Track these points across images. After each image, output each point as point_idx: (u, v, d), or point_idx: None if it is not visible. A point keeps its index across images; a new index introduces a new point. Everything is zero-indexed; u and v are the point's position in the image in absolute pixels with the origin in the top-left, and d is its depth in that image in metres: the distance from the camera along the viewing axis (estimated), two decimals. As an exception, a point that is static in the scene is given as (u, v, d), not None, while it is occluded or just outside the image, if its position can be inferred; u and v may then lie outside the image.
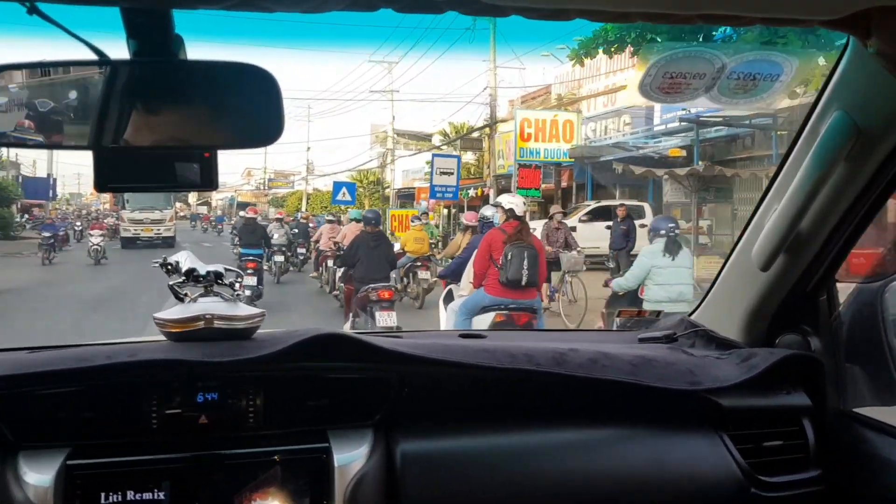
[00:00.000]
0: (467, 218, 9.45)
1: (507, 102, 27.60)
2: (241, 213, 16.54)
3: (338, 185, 23.71)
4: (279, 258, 14.33)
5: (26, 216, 37.07)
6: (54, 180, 43.32)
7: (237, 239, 14.47)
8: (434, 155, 22.34)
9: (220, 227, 39.60)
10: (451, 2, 0.92)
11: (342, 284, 9.40)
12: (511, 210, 5.93)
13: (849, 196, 1.44)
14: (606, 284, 6.92)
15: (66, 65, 1.09)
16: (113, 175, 1.14)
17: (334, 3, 0.94)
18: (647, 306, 5.85)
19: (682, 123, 16.77)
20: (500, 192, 23.27)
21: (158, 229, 27.08)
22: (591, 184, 21.70)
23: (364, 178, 37.22)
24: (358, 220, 11.43)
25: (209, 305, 1.43)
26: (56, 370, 1.32)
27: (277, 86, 1.07)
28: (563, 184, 23.30)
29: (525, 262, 5.58)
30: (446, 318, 6.31)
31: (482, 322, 5.60)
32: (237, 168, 64.01)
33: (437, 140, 33.15)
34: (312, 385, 1.42)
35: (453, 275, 6.92)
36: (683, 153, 17.14)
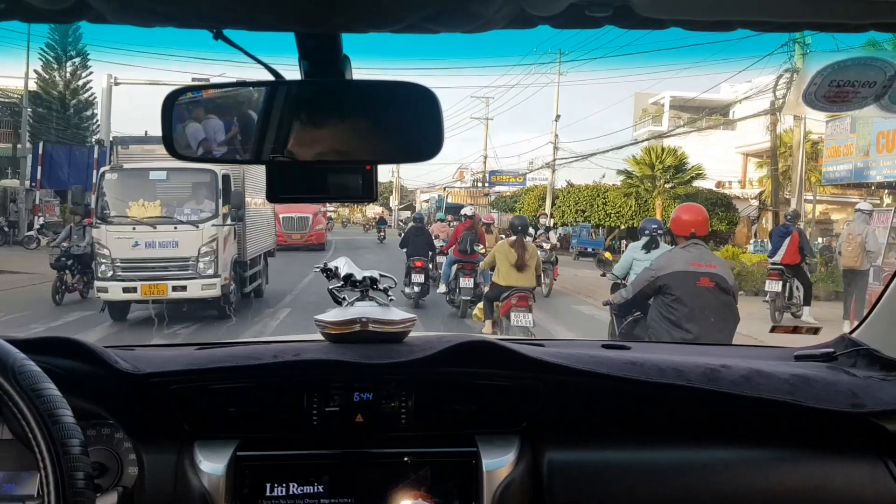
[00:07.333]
0: (487, 218, 14.58)
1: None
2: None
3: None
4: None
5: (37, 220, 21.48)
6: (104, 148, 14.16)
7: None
8: None
9: (377, 228, 45.77)
10: (609, 17, 0.92)
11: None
12: (465, 213, 12.63)
13: None
14: (603, 274, 8.14)
15: (245, 85, 1.17)
16: (283, 187, 1.21)
17: (494, 23, 0.97)
18: None
19: None
20: None
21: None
22: None
23: (655, 159, 25.14)
24: (442, 220, 18.20)
25: (365, 309, 1.50)
26: (230, 366, 1.41)
27: (438, 103, 1.10)
28: None
29: (469, 240, 11.36)
30: (442, 266, 12.35)
31: (453, 270, 11.52)
32: (447, 165, 52.74)
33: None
34: (460, 390, 1.44)
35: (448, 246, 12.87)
36: None
